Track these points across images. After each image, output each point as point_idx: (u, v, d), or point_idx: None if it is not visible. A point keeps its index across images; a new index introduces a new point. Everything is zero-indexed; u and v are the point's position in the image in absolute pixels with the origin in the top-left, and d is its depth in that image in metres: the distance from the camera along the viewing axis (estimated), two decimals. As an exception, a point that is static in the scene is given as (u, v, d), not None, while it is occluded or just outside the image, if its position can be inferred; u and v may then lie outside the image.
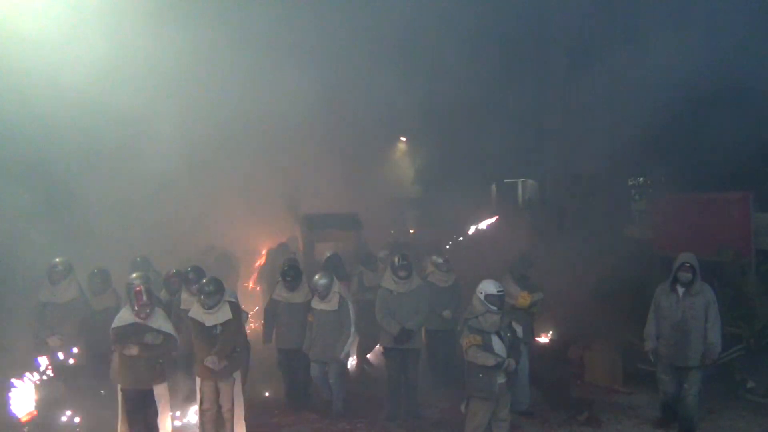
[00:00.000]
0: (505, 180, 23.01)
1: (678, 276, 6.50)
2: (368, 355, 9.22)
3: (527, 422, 7.09)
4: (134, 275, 7.07)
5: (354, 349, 8.31)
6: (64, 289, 6.81)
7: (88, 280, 7.23)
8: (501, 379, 5.71)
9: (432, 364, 8.30)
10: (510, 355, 5.69)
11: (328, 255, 9.62)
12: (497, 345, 5.70)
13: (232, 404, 6.29)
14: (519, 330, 7.00)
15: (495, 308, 5.73)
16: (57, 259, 6.91)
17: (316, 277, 7.34)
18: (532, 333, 7.68)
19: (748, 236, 10.03)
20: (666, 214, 12.17)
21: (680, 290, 6.50)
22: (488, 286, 5.82)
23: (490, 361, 5.59)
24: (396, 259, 7.40)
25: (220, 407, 6.26)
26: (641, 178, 21.22)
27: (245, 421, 6.50)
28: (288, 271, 7.47)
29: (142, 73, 11.86)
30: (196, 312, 6.23)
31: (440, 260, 8.16)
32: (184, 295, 7.12)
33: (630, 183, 21.24)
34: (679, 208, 11.95)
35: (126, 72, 11.73)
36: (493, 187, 22.90)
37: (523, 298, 7.18)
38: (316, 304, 7.26)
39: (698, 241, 10.58)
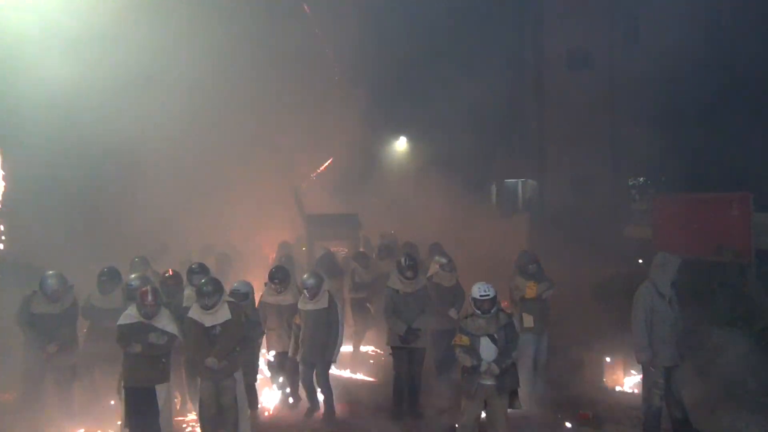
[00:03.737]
0: (505, 180, 23.03)
1: (675, 278, 6.47)
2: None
3: (527, 422, 7.09)
4: (133, 276, 7.10)
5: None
6: (59, 300, 6.80)
7: (97, 279, 7.22)
8: (487, 381, 5.75)
9: (436, 363, 8.32)
10: (501, 359, 5.72)
11: (321, 253, 9.75)
12: (486, 347, 5.76)
13: (233, 404, 6.29)
14: (529, 320, 7.53)
15: (479, 312, 5.83)
16: (50, 272, 6.86)
17: (305, 276, 7.33)
18: (546, 324, 7.79)
19: (748, 236, 10.02)
20: (666, 214, 12.16)
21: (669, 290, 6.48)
22: (473, 290, 5.95)
23: (468, 362, 5.78)
24: (402, 260, 7.49)
25: (220, 407, 6.26)
26: (641, 178, 21.23)
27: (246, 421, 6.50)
28: (275, 273, 7.44)
29: (146, 75, 11.91)
30: (195, 312, 6.23)
31: (444, 260, 8.22)
32: (188, 292, 7.10)
33: (630, 183, 21.26)
34: (679, 208, 11.95)
35: (129, 75, 11.77)
36: (493, 187, 22.91)
37: (530, 288, 7.57)
38: (304, 305, 7.21)
39: (698, 241, 10.61)
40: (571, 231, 13.57)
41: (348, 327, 8.83)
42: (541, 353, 7.77)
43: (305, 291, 7.19)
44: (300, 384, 7.50)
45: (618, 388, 8.12)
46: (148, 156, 12.11)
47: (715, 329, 8.15)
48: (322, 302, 7.17)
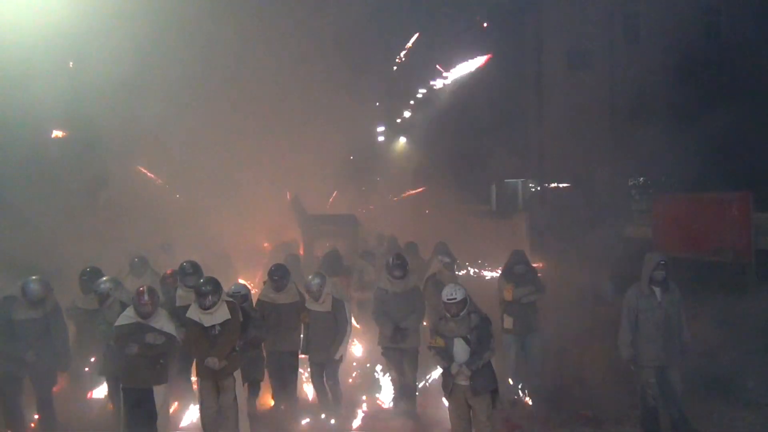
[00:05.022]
0: (505, 180, 23.03)
1: (654, 275, 6.46)
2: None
3: (527, 422, 7.08)
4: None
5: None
6: (42, 304, 6.60)
7: (79, 279, 7.09)
8: (462, 382, 5.76)
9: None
10: (472, 361, 5.70)
11: (327, 251, 9.69)
12: (459, 349, 5.76)
13: (233, 403, 6.28)
14: (509, 322, 7.60)
15: (448, 315, 5.83)
16: (33, 277, 6.61)
17: (310, 277, 7.29)
18: (530, 326, 7.78)
19: (748, 236, 10.01)
20: (666, 214, 12.16)
21: (656, 290, 6.48)
22: (442, 293, 5.94)
23: (440, 364, 5.88)
24: (391, 259, 7.43)
25: (220, 407, 6.25)
26: (641, 178, 21.24)
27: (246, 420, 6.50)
28: (275, 271, 7.38)
29: (147, 75, 11.92)
30: (194, 312, 6.22)
31: (447, 260, 8.20)
32: (180, 292, 7.07)
33: (630, 183, 21.26)
34: (679, 208, 11.94)
35: (130, 76, 11.77)
36: (493, 187, 22.91)
37: (507, 291, 7.62)
38: (311, 305, 7.19)
39: (698, 241, 10.61)
40: (571, 231, 13.55)
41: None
42: (528, 355, 7.76)
43: (309, 291, 7.15)
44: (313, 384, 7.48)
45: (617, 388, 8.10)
46: (149, 156, 12.13)
47: (715, 329, 8.15)
48: (326, 305, 7.12)
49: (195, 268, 7.21)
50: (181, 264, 7.30)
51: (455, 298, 5.81)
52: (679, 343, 6.51)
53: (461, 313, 5.82)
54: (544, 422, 7.12)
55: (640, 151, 17.79)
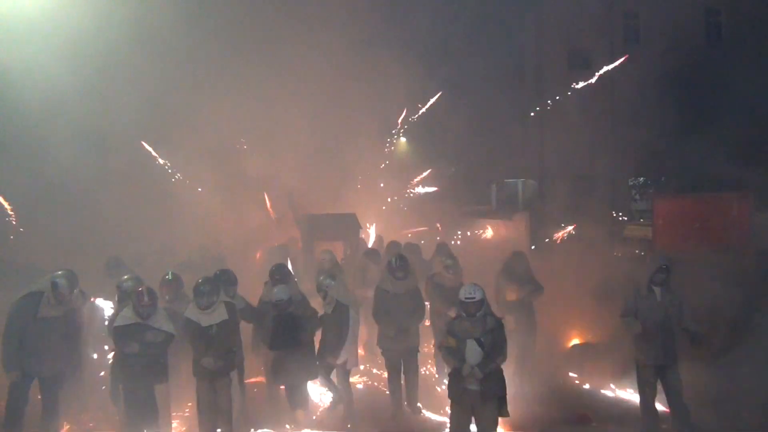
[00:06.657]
0: (505, 180, 23.02)
1: (654, 278, 6.49)
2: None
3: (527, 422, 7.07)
4: (126, 277, 6.95)
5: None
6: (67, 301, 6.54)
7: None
8: (472, 386, 5.67)
9: (437, 364, 8.29)
10: (485, 364, 5.61)
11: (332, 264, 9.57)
12: (471, 351, 5.65)
13: (229, 403, 6.29)
14: (510, 321, 7.36)
15: (464, 315, 5.75)
16: (59, 272, 6.54)
17: (321, 277, 7.29)
18: (531, 325, 7.80)
19: (748, 236, 10.02)
20: (666, 214, 12.16)
21: (656, 290, 6.50)
22: (460, 291, 5.86)
23: (450, 365, 5.77)
24: (393, 260, 7.41)
25: (216, 407, 6.25)
26: (641, 178, 21.25)
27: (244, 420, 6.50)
28: (276, 271, 7.37)
29: (139, 71, 11.89)
30: (192, 312, 6.23)
31: (449, 261, 8.16)
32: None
33: (630, 183, 21.27)
34: (679, 208, 11.95)
35: (120, 67, 11.75)
36: (493, 187, 22.90)
37: (511, 291, 7.69)
38: (322, 306, 7.21)
39: (698, 241, 10.60)
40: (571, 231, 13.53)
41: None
42: (526, 355, 7.76)
43: (320, 291, 7.15)
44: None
45: (617, 388, 8.10)
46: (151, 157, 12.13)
47: (716, 329, 8.14)
48: (329, 307, 7.13)
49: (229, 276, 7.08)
50: (216, 272, 7.09)
51: (474, 298, 5.73)
52: (682, 334, 6.50)
53: (478, 314, 5.74)
54: (544, 422, 7.11)
55: (640, 151, 17.80)
